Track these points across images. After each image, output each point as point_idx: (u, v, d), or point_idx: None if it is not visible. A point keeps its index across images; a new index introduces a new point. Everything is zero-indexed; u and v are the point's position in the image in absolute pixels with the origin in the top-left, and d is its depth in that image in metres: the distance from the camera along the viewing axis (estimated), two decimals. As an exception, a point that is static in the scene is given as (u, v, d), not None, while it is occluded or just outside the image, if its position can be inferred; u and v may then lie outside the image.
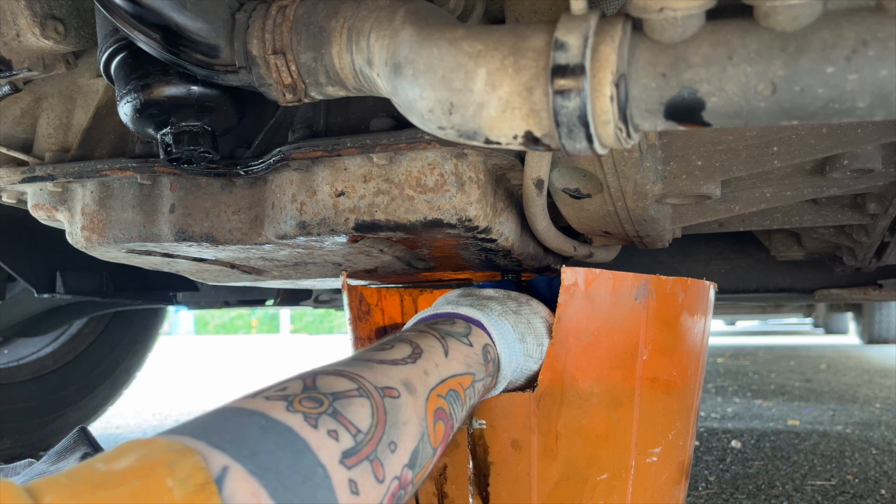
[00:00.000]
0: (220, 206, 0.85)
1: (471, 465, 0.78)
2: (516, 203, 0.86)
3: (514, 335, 0.73)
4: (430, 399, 0.56)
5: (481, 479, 0.78)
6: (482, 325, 0.71)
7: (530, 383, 0.77)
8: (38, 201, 0.93)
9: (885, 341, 6.14)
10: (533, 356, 0.75)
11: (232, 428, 0.42)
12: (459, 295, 0.80)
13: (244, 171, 0.81)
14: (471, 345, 0.67)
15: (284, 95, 0.63)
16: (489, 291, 0.82)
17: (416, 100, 0.54)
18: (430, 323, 0.70)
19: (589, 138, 0.49)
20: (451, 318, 0.72)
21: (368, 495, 0.46)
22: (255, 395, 0.48)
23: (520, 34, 0.51)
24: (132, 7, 0.57)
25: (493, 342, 0.70)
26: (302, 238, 0.80)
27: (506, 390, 0.76)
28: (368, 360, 0.56)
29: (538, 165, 0.75)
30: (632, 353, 0.78)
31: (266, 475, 0.40)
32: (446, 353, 0.62)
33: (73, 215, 0.91)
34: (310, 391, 0.49)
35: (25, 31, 0.72)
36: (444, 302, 0.79)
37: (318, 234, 0.78)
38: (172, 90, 0.67)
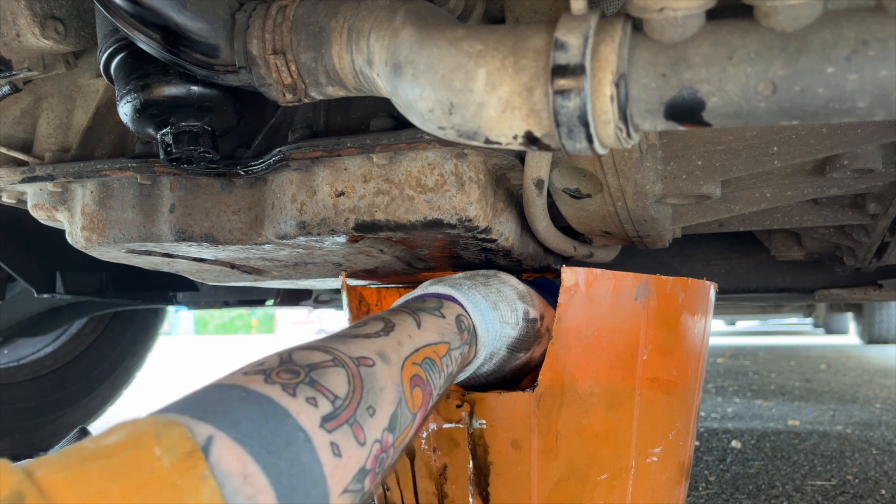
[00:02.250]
0: (220, 206, 0.85)
1: (471, 465, 0.78)
2: (516, 203, 0.86)
3: (486, 304, 0.75)
4: (405, 367, 0.58)
5: (481, 479, 0.78)
6: (453, 298, 0.73)
7: (512, 352, 0.77)
8: (38, 201, 0.93)
9: (886, 341, 6.13)
10: (509, 322, 0.76)
11: (214, 401, 0.44)
12: (427, 283, 0.82)
13: (244, 171, 0.81)
14: (443, 316, 0.68)
15: (284, 95, 0.63)
16: (456, 275, 0.83)
17: (416, 100, 0.54)
18: (402, 305, 0.71)
19: (589, 138, 0.49)
20: (423, 298, 0.74)
21: (351, 457, 0.48)
22: (233, 373, 0.49)
23: (520, 34, 0.51)
24: (132, 7, 0.57)
25: (467, 312, 0.72)
26: (302, 238, 0.80)
27: (488, 360, 0.76)
28: (342, 336, 0.58)
29: (538, 165, 0.75)
30: (632, 353, 0.78)
31: (250, 441, 0.41)
32: (419, 326, 0.64)
33: (73, 215, 0.91)
34: (286, 364, 0.50)
35: (25, 31, 0.72)
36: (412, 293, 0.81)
37: (318, 234, 0.78)
38: (172, 90, 0.67)
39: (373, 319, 0.63)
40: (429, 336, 0.63)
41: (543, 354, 0.81)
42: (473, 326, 0.72)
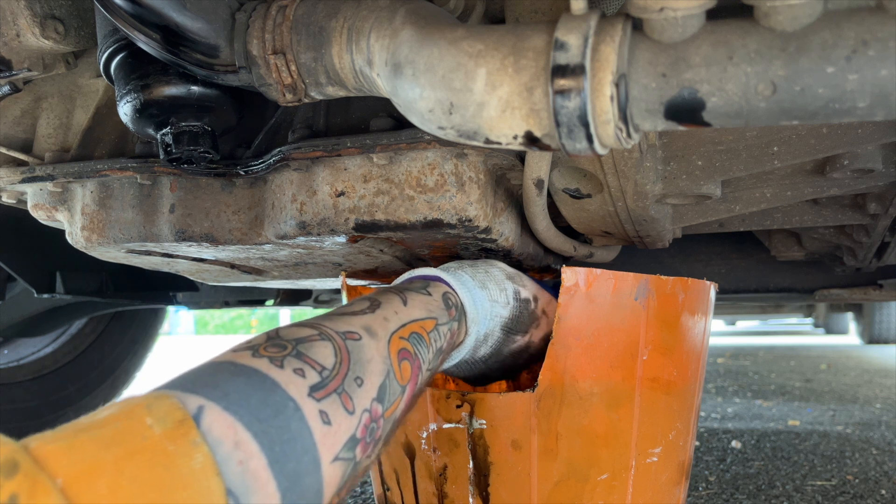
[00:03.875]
0: (220, 206, 0.85)
1: (471, 465, 0.78)
2: (516, 203, 0.86)
3: (474, 283, 0.75)
4: (392, 341, 0.59)
5: (481, 479, 0.78)
6: (440, 278, 0.74)
7: (507, 333, 0.77)
8: (38, 201, 0.93)
9: (886, 341, 6.13)
10: (499, 301, 0.77)
11: (203, 376, 0.45)
12: (414, 270, 0.83)
13: (244, 171, 0.81)
14: (430, 294, 0.69)
15: (284, 95, 0.63)
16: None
17: (416, 100, 0.54)
18: (389, 287, 0.72)
19: (589, 138, 0.49)
20: (409, 280, 0.75)
21: (341, 425, 0.49)
22: (223, 353, 0.50)
23: (520, 34, 0.51)
24: (132, 7, 0.57)
25: (454, 290, 0.73)
26: (302, 238, 0.80)
27: (483, 342, 0.76)
28: (329, 315, 0.60)
29: (538, 165, 0.75)
30: (632, 353, 0.78)
31: (239, 410, 0.42)
32: (405, 303, 0.65)
33: (73, 215, 0.91)
34: (273, 339, 0.52)
35: (25, 31, 0.72)
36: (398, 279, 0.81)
37: (318, 234, 0.78)
38: (172, 90, 0.67)
39: (360, 300, 0.64)
40: (415, 312, 0.64)
41: (543, 340, 0.80)
42: (461, 303, 0.72)
